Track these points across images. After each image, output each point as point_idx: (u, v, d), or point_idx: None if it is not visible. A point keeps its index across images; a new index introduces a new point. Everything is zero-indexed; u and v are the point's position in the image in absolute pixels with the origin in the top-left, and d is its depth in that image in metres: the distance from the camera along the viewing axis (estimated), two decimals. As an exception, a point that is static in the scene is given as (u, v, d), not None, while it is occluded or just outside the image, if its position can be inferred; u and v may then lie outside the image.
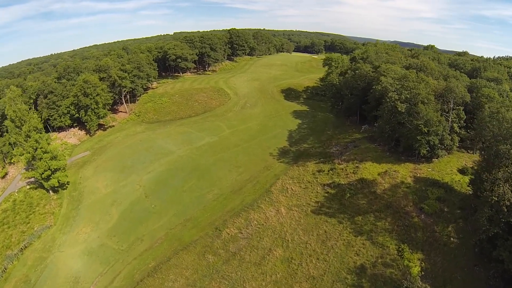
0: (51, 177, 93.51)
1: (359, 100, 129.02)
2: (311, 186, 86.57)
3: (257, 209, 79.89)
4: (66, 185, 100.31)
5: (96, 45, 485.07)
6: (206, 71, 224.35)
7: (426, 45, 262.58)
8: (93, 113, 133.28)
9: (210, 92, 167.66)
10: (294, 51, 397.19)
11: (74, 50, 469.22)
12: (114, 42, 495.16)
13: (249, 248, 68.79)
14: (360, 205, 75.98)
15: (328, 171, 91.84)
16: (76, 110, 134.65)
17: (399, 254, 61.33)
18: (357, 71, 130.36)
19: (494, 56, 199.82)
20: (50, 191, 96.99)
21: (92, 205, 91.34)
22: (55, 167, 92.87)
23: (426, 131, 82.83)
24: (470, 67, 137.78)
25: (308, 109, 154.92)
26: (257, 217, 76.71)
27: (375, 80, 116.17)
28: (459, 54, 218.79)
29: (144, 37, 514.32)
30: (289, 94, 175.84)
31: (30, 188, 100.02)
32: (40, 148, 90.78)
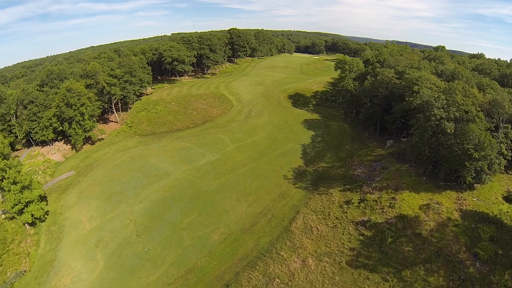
0: (23, 211, 77.31)
1: (380, 109, 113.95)
2: (341, 224, 70.68)
3: (277, 258, 63.94)
4: (45, 215, 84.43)
5: (93, 46, 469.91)
6: (205, 74, 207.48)
7: (435, 45, 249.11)
8: (78, 126, 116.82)
9: (210, 99, 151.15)
10: (294, 51, 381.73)
11: (70, 52, 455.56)
12: (111, 43, 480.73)
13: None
14: (405, 253, 60.94)
15: (359, 203, 76.05)
16: (59, 122, 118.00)
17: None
18: (378, 77, 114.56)
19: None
20: (26, 224, 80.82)
21: (74, 245, 75.65)
22: (27, 200, 76.45)
23: (476, 157, 67.63)
24: (498, 74, 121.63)
25: (319, 118, 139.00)
26: (279, 271, 60.72)
27: (402, 89, 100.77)
28: (475, 56, 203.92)
29: (142, 38, 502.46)
30: (297, 100, 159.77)
31: (5, 218, 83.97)
32: (7, 179, 74.30)
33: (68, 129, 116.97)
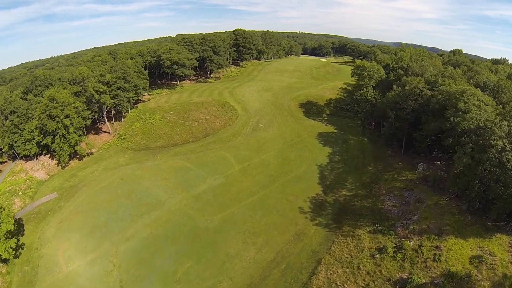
0: (-10, 249, 63.33)
1: (407, 124, 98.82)
2: (374, 283, 55.48)
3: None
4: (20, 250, 71.94)
5: (97, 47, 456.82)
6: (208, 78, 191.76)
7: (453, 49, 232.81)
8: (63, 140, 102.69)
9: (213, 108, 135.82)
10: (301, 54, 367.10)
11: (74, 52, 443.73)
12: (115, 44, 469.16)
13: None
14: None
15: (394, 252, 60.79)
16: (42, 136, 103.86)
17: None
18: (406, 87, 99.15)
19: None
20: (-2, 260, 67.27)
21: (46, 296, 61.06)
22: (-7, 237, 62.26)
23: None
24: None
25: (335, 131, 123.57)
26: None
27: (438, 103, 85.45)
28: (498, 61, 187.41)
29: (146, 39, 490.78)
30: (310, 109, 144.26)
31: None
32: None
33: (52, 143, 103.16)
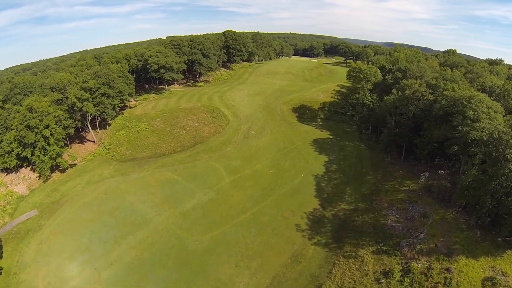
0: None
1: (407, 130, 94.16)
2: (382, 314, 50.19)
3: None
4: None
5: (87, 50, 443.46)
6: (198, 82, 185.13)
7: (447, 50, 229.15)
8: (43, 152, 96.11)
9: (202, 114, 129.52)
10: (292, 54, 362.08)
11: (63, 55, 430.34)
12: (105, 47, 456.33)
13: None
14: None
15: (401, 275, 55.73)
16: (21, 147, 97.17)
17: None
18: (406, 91, 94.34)
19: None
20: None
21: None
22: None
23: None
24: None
25: (331, 137, 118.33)
26: None
27: (442, 109, 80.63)
28: (494, 62, 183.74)
29: (137, 41, 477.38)
30: (303, 113, 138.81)
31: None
32: None
33: (31, 156, 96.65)
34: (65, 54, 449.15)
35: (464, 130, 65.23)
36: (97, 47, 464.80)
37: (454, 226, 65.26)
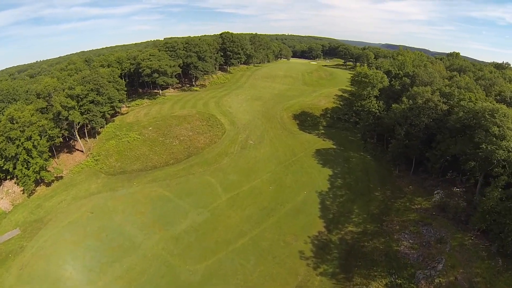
0: None
1: (419, 143, 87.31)
2: None
3: None
4: None
5: (83, 51, 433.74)
6: (193, 86, 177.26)
7: (451, 52, 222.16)
8: (26, 166, 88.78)
9: (197, 122, 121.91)
10: (291, 56, 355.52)
11: (60, 57, 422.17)
12: (102, 48, 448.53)
13: None
14: None
15: (422, 317, 48.67)
16: (2, 160, 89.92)
17: None
18: (417, 100, 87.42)
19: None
20: None
21: None
22: None
23: None
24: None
25: (334, 147, 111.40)
26: None
27: (459, 121, 73.72)
28: (500, 66, 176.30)
29: (134, 43, 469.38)
30: (304, 120, 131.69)
31: None
32: None
33: (13, 169, 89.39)
34: (62, 55, 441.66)
35: (489, 148, 58.15)
36: (94, 49, 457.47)
37: (474, 253, 58.83)
